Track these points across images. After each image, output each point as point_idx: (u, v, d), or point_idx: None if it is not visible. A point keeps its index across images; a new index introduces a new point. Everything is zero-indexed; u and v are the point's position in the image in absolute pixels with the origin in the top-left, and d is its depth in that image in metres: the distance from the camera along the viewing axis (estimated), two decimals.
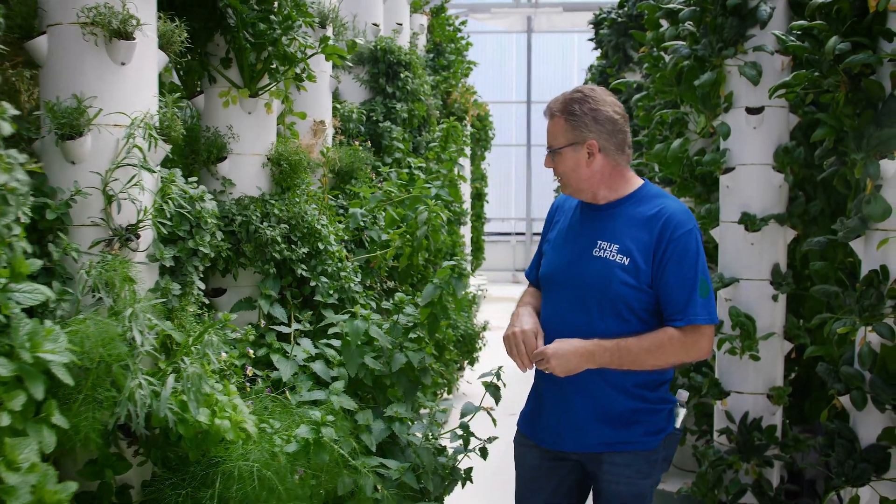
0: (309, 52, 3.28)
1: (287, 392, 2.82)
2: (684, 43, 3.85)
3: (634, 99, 4.85)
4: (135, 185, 2.29)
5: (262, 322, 3.13)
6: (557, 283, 2.28)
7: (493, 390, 3.43)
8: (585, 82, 8.67)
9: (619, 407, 2.20)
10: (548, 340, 2.21)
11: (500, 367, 3.47)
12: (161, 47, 2.54)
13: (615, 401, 2.19)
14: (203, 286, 2.53)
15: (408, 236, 3.57)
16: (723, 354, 3.68)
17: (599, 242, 2.19)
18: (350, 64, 4.84)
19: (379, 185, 4.15)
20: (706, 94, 3.71)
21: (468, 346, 7.38)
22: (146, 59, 2.43)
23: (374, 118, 5.07)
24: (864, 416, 2.72)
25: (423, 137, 5.71)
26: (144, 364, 2.31)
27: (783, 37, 3.23)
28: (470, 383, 7.79)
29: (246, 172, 3.31)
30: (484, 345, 7.73)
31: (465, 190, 11.88)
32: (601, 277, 2.16)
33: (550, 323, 2.25)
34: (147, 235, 2.38)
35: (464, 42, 8.00)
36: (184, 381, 2.08)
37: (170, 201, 2.34)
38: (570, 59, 15.98)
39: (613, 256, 2.16)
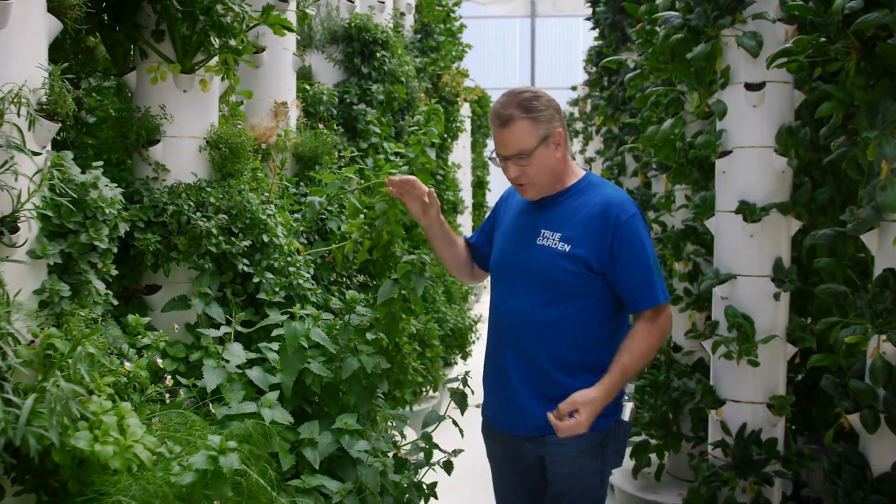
0: (249, 22, 2.89)
1: (212, 405, 2.44)
2: (677, 13, 3.43)
3: (628, 78, 4.43)
4: (8, 169, 1.91)
5: (175, 326, 2.76)
6: (504, 271, 2.30)
7: (459, 398, 3.05)
8: (585, 66, 8.23)
9: (561, 388, 2.16)
10: (495, 327, 2.30)
11: (466, 373, 3.09)
12: (52, 11, 2.15)
13: (556, 381, 2.18)
14: (102, 286, 2.15)
15: (366, 228, 3.18)
16: (718, 359, 3.27)
17: (543, 231, 2.21)
18: (293, 35, 4.44)
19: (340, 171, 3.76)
20: (700, 69, 3.29)
21: (460, 341, 7.00)
22: (28, 24, 2.03)
23: (348, 100, 4.67)
24: (877, 440, 2.30)
25: (405, 122, 5.31)
26: (28, 379, 1.95)
27: None
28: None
29: (181, 157, 2.92)
30: (478, 338, 7.34)
31: (466, 178, 11.47)
32: (543, 264, 2.18)
33: (499, 309, 2.29)
34: (31, 229, 2.01)
35: (457, 24, 7.57)
36: (47, 401, 1.70)
37: (52, 188, 1.96)
38: (574, 44, 15.43)
39: (555, 244, 2.17)
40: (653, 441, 4.25)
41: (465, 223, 10.70)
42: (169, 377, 2.38)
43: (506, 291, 2.28)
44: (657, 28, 3.98)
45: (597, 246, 2.15)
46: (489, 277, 2.46)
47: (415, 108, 5.45)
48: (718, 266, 3.32)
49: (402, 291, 2.95)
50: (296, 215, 3.47)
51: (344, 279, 3.86)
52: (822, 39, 2.38)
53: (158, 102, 2.88)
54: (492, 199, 13.00)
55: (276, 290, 2.95)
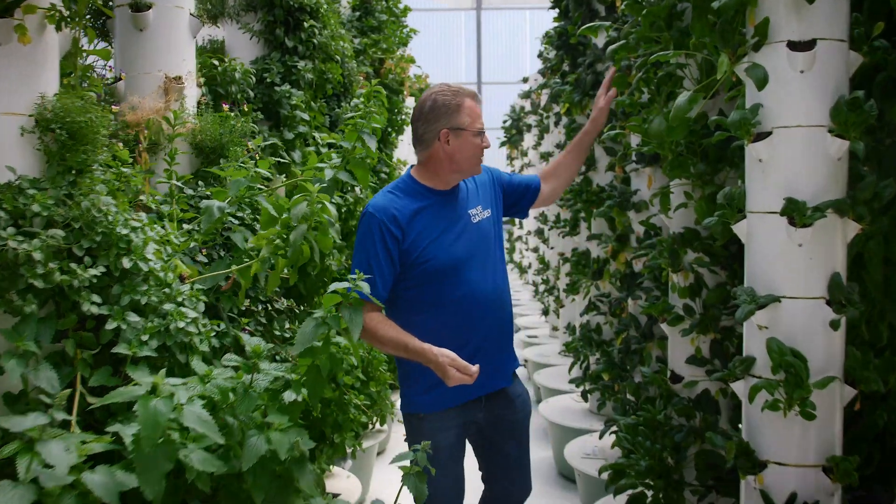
0: None
1: None
2: None
3: (610, 50, 3.52)
4: None
5: None
6: (465, 260, 2.37)
7: (415, 482, 2.10)
8: (539, 54, 7.36)
9: (511, 332, 2.59)
10: (482, 300, 2.40)
11: (425, 443, 2.14)
12: None
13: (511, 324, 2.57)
14: None
15: (278, 241, 2.19)
16: (759, 411, 2.38)
17: (469, 212, 2.44)
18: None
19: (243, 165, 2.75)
20: (727, 24, 2.40)
21: None
22: None
23: (269, 80, 3.66)
24: None
25: (342, 110, 4.32)
26: None
27: None
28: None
29: None
30: None
31: None
32: (487, 235, 2.46)
33: (477, 285, 2.38)
34: None
35: (402, 5, 6.59)
36: None
37: None
38: (521, 37, 14.49)
39: (482, 214, 2.47)
40: (649, 493, 3.37)
41: None
42: None
43: (479, 269, 2.40)
44: None
45: (499, 195, 2.59)
46: (433, 278, 2.37)
47: (352, 93, 4.46)
48: (752, 285, 2.43)
49: (332, 334, 2.00)
50: (187, 226, 2.46)
51: (260, 308, 2.86)
52: None
53: None
54: None
55: (144, 338, 1.94)
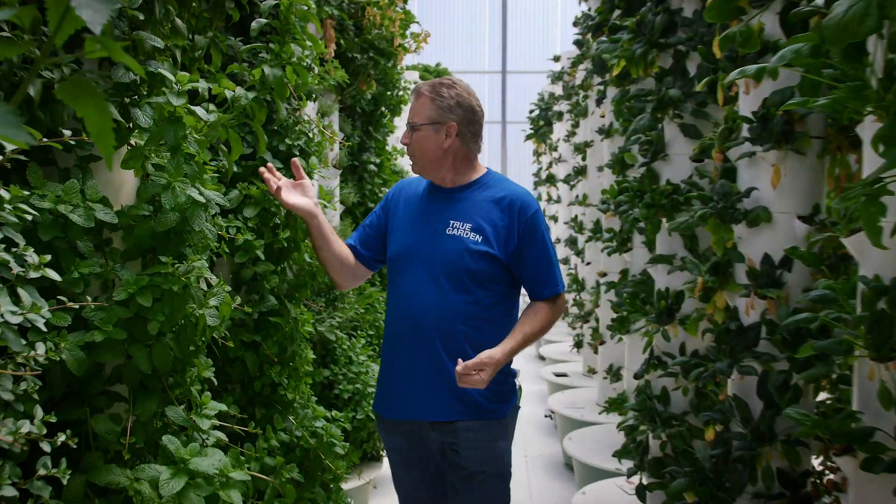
0: None
1: None
2: None
3: None
4: None
5: None
6: (411, 261, 2.20)
7: None
8: (576, 21, 5.51)
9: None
10: (403, 315, 2.17)
11: None
12: None
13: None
14: None
15: None
16: None
17: (452, 222, 2.19)
18: None
19: None
20: None
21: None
22: None
23: None
24: None
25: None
26: None
27: None
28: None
29: None
30: None
31: None
32: (454, 253, 2.15)
33: (414, 295, 2.17)
34: None
35: None
36: None
37: None
38: (552, 22, 12.51)
39: (466, 234, 2.17)
40: None
41: None
42: None
43: (413, 281, 2.17)
44: None
45: (504, 238, 2.16)
46: (388, 267, 2.28)
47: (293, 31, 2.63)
48: None
49: None
50: None
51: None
52: None
53: None
54: None
55: None
